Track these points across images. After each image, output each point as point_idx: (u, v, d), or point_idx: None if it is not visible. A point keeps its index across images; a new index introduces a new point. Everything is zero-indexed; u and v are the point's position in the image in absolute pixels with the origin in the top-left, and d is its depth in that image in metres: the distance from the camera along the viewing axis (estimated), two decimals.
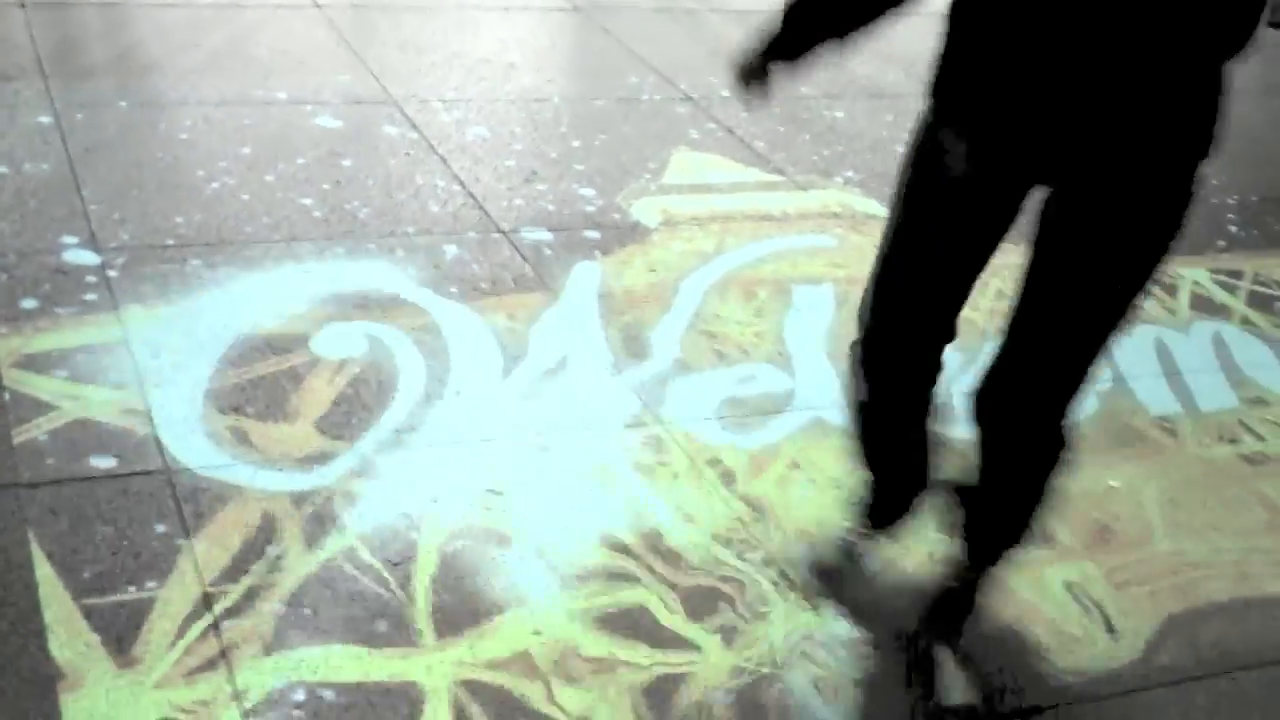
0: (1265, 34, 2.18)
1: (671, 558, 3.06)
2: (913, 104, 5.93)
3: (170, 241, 4.08)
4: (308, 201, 4.43)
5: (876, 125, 5.68)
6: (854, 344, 2.76)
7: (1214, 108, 2.28)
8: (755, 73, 2.68)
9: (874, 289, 2.66)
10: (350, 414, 3.40)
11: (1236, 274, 4.77)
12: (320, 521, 3.01)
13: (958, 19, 2.43)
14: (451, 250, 4.24)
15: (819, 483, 3.37)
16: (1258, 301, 4.61)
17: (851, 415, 2.88)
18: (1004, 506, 2.79)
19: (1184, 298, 4.55)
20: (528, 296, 4.04)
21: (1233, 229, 5.12)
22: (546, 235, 4.40)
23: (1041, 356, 2.53)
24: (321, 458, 3.23)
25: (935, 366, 2.74)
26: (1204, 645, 3.04)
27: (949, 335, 2.68)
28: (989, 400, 2.63)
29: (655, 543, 3.09)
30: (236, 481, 3.10)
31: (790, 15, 2.62)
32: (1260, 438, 3.86)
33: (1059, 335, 2.49)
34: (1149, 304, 4.44)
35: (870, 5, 2.57)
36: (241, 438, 3.26)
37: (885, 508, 3.01)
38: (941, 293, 2.61)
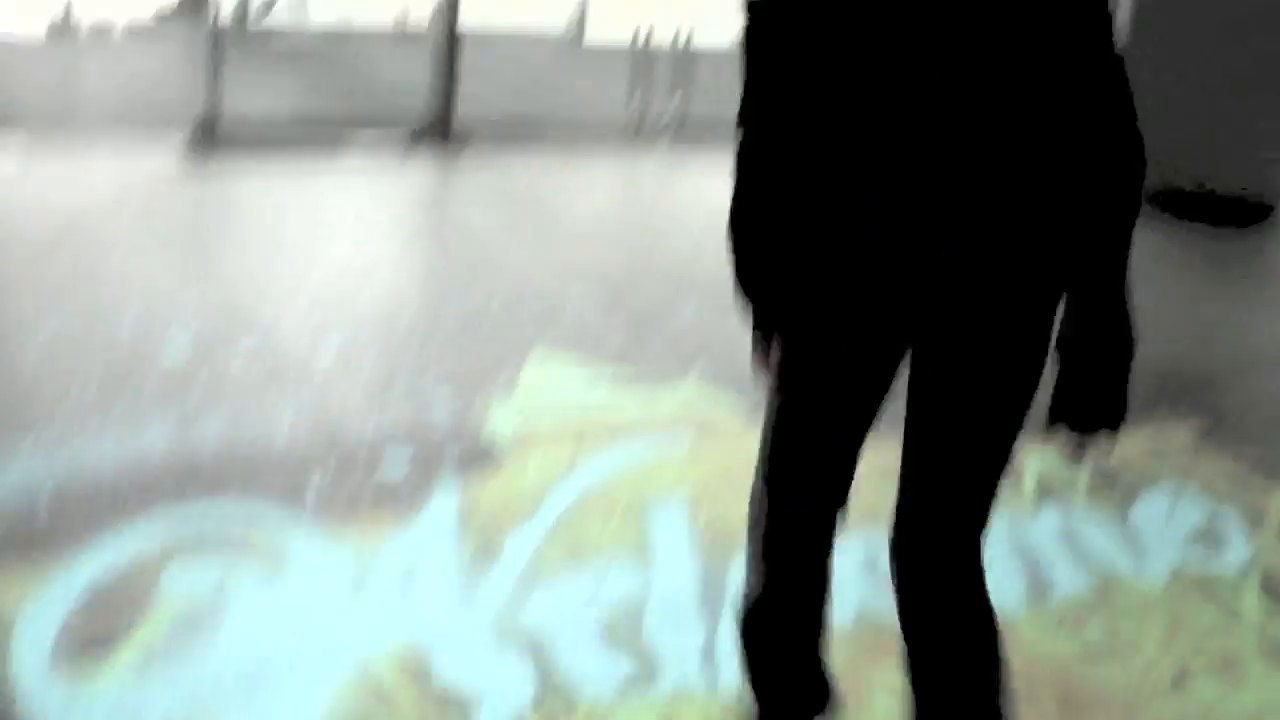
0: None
1: None
2: None
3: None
4: (156, 430, 4.39)
5: (725, 324, 5.80)
6: (752, 526, 2.74)
7: (1064, 222, 2.32)
8: (760, 340, 2.63)
9: (763, 466, 2.67)
10: (188, 651, 3.35)
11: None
12: None
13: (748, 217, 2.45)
14: (307, 472, 4.22)
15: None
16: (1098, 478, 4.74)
17: (741, 628, 2.82)
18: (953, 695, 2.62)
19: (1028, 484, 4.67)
20: (384, 516, 4.02)
21: None
22: (403, 453, 4.40)
23: (939, 493, 2.53)
24: (153, 694, 3.17)
25: (829, 539, 2.71)
26: None
27: (841, 500, 2.67)
28: (901, 540, 2.61)
29: None
30: None
31: (737, 242, 2.54)
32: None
33: (950, 472, 2.51)
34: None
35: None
36: (76, 683, 3.19)
37: None
38: (828, 459, 2.61)
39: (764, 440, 2.66)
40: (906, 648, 2.65)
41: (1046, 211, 2.31)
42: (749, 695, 2.90)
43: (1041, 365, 2.43)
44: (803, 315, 2.45)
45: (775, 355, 2.56)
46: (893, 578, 2.65)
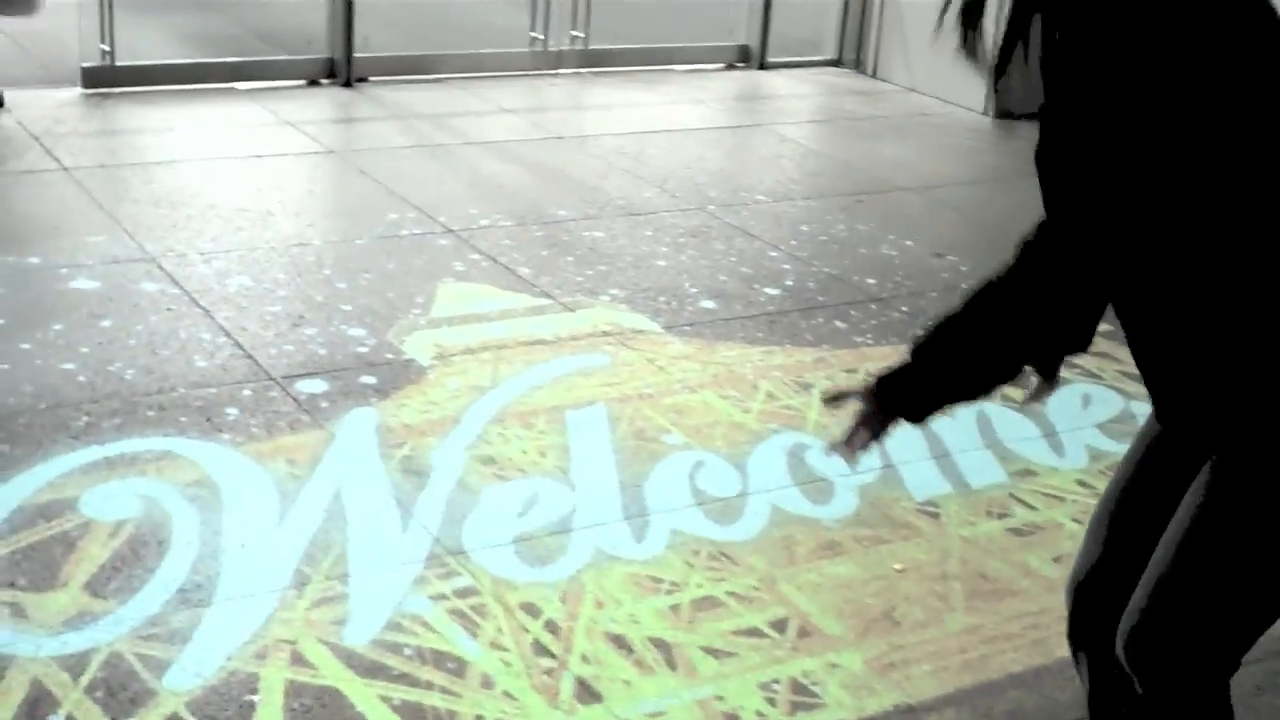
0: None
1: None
2: (669, 219, 6.10)
3: None
4: (70, 367, 4.33)
5: (636, 242, 5.80)
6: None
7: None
8: (869, 423, 2.27)
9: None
10: (129, 575, 3.33)
11: None
12: (114, 690, 2.93)
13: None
14: (222, 403, 4.19)
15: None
16: None
17: None
18: None
19: None
20: (304, 440, 4.01)
21: None
22: (320, 381, 4.38)
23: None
24: (95, 619, 3.15)
25: None
26: (999, 715, 3.13)
27: None
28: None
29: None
30: (12, 654, 3.01)
31: (921, 356, 2.24)
32: (1032, 508, 4.02)
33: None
34: None
35: (1013, 356, 2.19)
36: (18, 612, 3.16)
37: None
38: None
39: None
40: None
41: None
42: None
43: None
44: None
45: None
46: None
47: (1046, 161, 2.07)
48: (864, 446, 2.26)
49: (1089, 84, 1.97)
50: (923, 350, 2.21)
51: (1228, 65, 1.97)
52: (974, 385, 2.20)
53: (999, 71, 2.15)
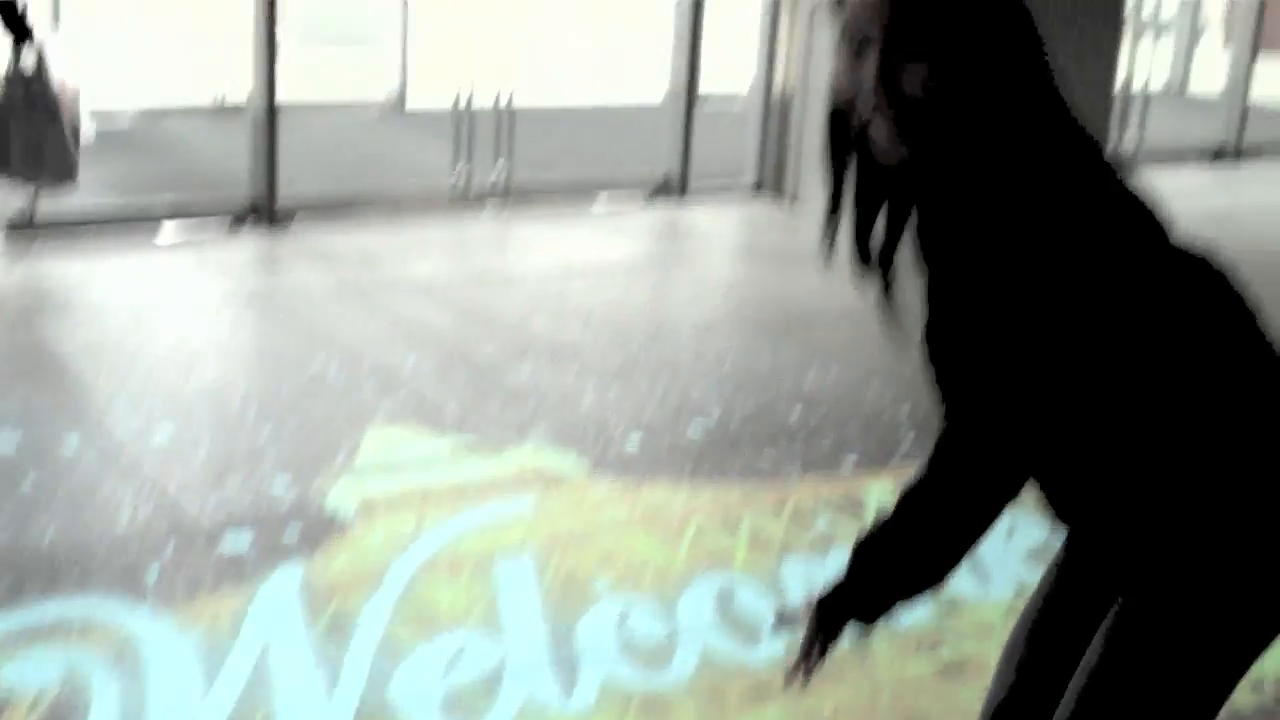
0: None
1: None
2: (594, 356, 6.13)
3: None
4: None
5: (562, 381, 5.82)
6: None
7: None
8: (825, 629, 2.29)
9: None
10: None
11: None
12: None
13: None
14: (145, 562, 4.14)
15: None
16: None
17: None
18: None
19: (873, 513, 4.74)
20: (228, 599, 3.96)
21: (908, 440, 5.39)
22: (244, 535, 4.34)
23: None
24: None
25: None
26: None
27: None
28: None
29: None
30: None
31: (860, 568, 2.25)
32: (961, 643, 4.02)
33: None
34: (840, 520, 4.63)
35: (954, 544, 2.22)
36: None
37: None
38: None
39: None
40: None
41: None
42: None
43: None
44: None
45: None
46: None
47: (940, 343, 2.13)
48: (818, 665, 2.30)
49: (994, 267, 2.02)
50: (858, 562, 2.24)
51: (1126, 247, 2.04)
52: (919, 585, 2.22)
53: (886, 269, 2.23)
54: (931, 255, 2.14)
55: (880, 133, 2.10)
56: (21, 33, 6.84)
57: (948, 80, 2.04)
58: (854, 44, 2.09)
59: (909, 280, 2.25)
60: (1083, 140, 2.08)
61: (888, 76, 2.05)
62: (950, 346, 2.12)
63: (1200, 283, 2.13)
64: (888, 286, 2.28)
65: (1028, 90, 2.07)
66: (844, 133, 2.20)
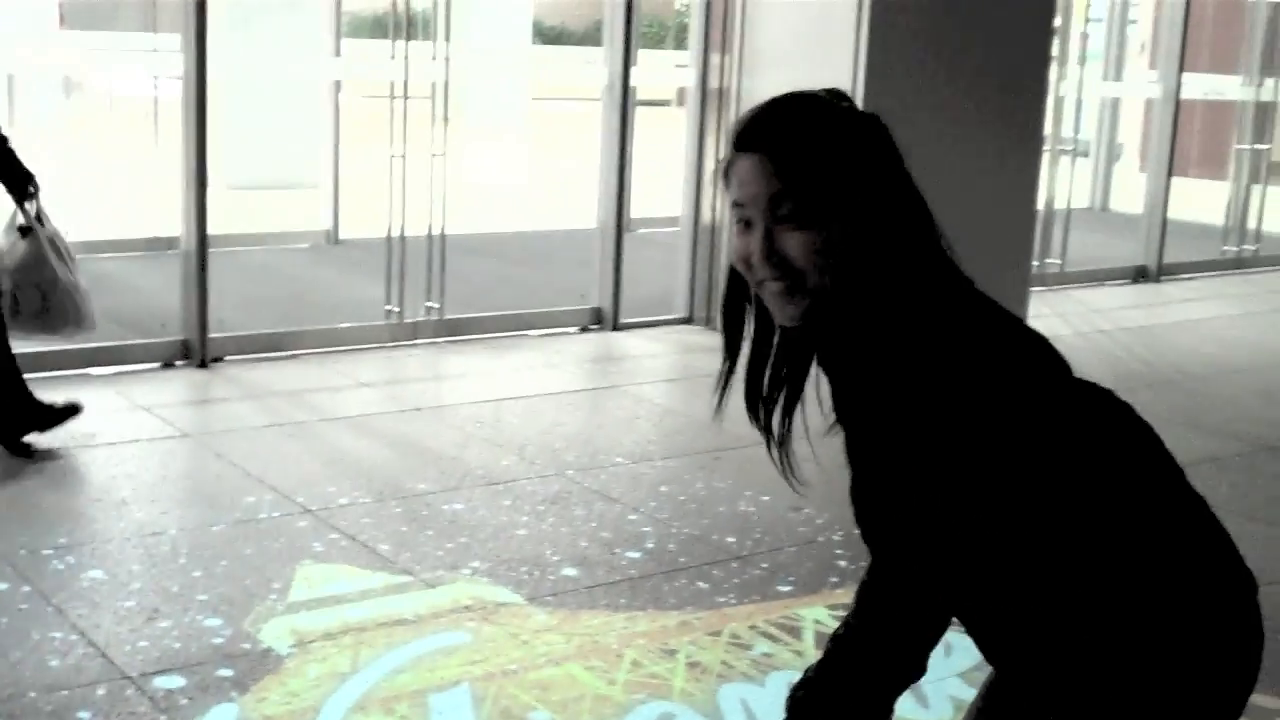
0: None
1: None
2: (528, 487, 6.13)
3: None
4: None
5: (496, 512, 5.82)
6: None
7: None
8: None
9: None
10: None
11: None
12: None
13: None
14: (75, 706, 4.08)
15: None
16: None
17: None
18: None
19: (809, 638, 4.76)
20: None
21: (842, 564, 5.41)
22: (176, 677, 4.29)
23: None
24: None
25: None
26: None
27: None
28: None
29: None
30: None
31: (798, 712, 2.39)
32: None
33: None
34: (776, 646, 4.63)
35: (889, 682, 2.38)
36: None
37: None
38: None
39: None
40: None
41: None
42: None
43: None
44: None
45: None
46: None
47: (862, 499, 2.19)
48: None
49: (893, 430, 2.08)
50: (795, 706, 2.34)
51: (1023, 397, 2.10)
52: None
53: (782, 442, 2.31)
54: (842, 416, 2.21)
55: (771, 298, 2.18)
56: (25, 179, 6.31)
57: (833, 249, 2.11)
58: (740, 218, 2.18)
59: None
60: (970, 294, 2.15)
61: (770, 248, 2.13)
62: (869, 502, 2.18)
63: (1103, 420, 2.19)
64: (781, 443, 2.33)
65: (912, 251, 2.14)
66: (742, 292, 2.28)
